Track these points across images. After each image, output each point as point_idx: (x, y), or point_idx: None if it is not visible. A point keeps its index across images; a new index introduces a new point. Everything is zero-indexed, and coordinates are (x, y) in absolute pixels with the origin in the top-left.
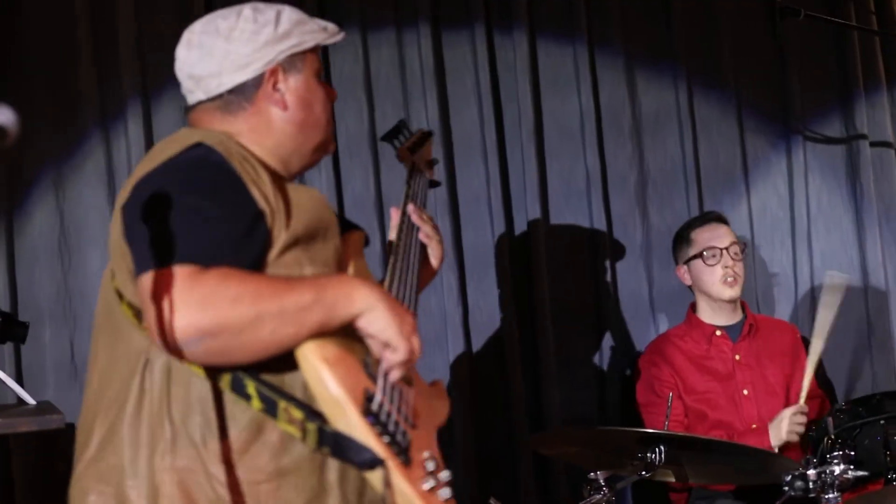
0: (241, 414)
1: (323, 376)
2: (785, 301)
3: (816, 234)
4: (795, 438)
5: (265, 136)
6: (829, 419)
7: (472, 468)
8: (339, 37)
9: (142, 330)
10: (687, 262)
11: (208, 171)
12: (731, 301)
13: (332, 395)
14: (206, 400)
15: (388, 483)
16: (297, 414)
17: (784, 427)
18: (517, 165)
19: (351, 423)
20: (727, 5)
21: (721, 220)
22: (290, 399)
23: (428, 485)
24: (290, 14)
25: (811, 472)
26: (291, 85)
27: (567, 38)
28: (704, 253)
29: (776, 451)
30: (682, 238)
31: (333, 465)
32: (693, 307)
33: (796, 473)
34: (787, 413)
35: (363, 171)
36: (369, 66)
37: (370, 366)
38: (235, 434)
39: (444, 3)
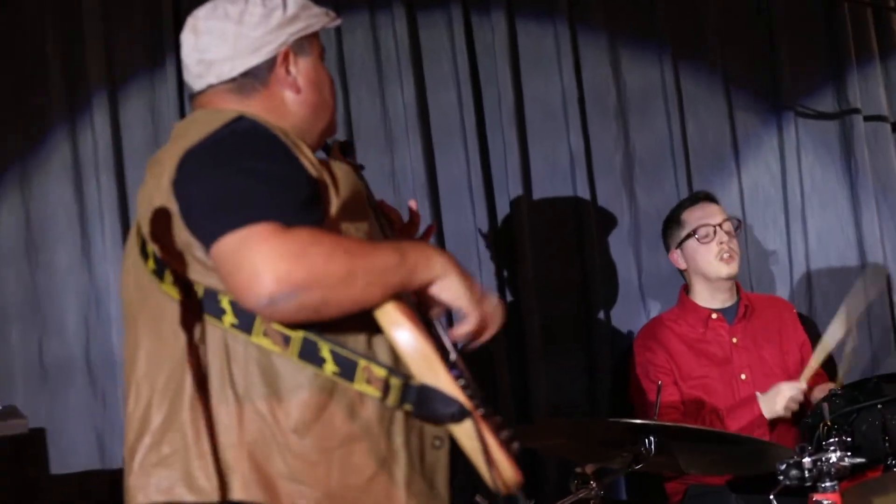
0: (310, 381)
1: (411, 332)
2: (780, 282)
3: (811, 212)
4: (787, 414)
5: (280, 117)
6: (825, 404)
7: (455, 462)
8: (338, 21)
9: (188, 309)
10: (680, 244)
11: (262, 140)
12: (729, 278)
13: (421, 350)
14: (270, 370)
15: (479, 434)
16: (380, 372)
17: (779, 402)
18: (498, 149)
19: (439, 376)
20: None
21: (710, 198)
22: (370, 358)
23: (503, 435)
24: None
25: (806, 460)
26: (302, 68)
27: (547, 17)
28: (697, 231)
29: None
30: (672, 221)
31: (399, 429)
32: (686, 290)
33: (791, 462)
34: (785, 388)
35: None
36: (343, 50)
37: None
38: (304, 401)
39: None
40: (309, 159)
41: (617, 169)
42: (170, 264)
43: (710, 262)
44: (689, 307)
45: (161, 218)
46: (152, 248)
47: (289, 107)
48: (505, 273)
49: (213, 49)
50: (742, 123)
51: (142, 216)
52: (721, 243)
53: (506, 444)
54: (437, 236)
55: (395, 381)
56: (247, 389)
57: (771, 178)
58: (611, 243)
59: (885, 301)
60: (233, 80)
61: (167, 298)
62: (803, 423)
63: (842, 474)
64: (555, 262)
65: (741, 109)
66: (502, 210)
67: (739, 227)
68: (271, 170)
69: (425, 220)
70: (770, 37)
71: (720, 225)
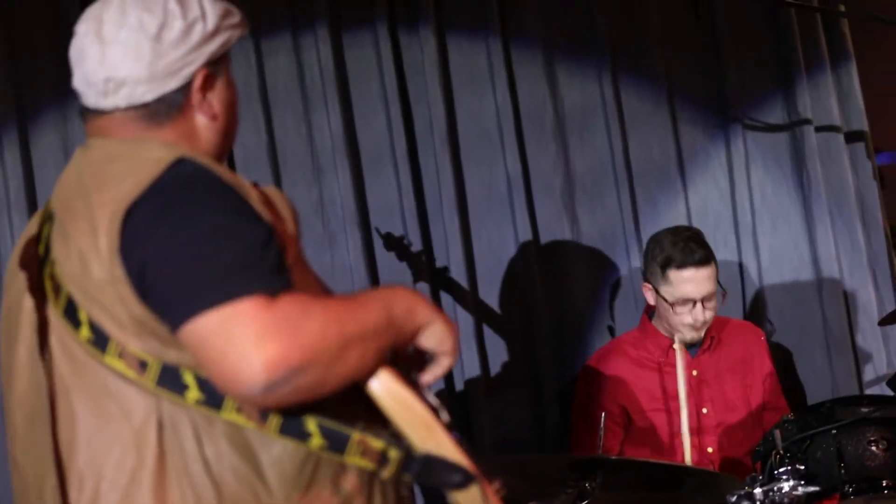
0: (291, 456)
1: (407, 398)
2: (733, 302)
3: (762, 229)
4: None
5: (190, 146)
6: (777, 431)
7: None
8: (246, 29)
9: (143, 385)
10: (656, 291)
11: (215, 189)
12: (689, 342)
13: (421, 417)
14: (246, 448)
15: (485, 499)
16: (377, 444)
17: None
18: (431, 173)
19: (442, 443)
20: None
21: (704, 261)
22: (364, 430)
23: (494, 486)
24: (212, 6)
25: (758, 491)
26: (217, 90)
27: (479, 32)
28: (675, 306)
29: None
30: (656, 262)
31: (378, 495)
32: (649, 313)
33: (742, 493)
34: None
35: None
36: (265, 74)
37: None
38: (288, 478)
39: (342, 2)
40: (256, 200)
41: (557, 191)
42: (112, 335)
43: (677, 325)
44: (651, 332)
45: (101, 285)
46: (86, 314)
47: (201, 134)
48: (443, 307)
49: (124, 67)
50: (688, 138)
51: (65, 274)
52: (696, 319)
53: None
54: (369, 269)
55: (394, 454)
56: (222, 471)
57: (720, 195)
58: (553, 270)
59: (844, 323)
60: (145, 105)
61: (111, 373)
62: (755, 451)
63: None
64: (495, 291)
65: (686, 123)
66: (438, 238)
67: (724, 299)
68: (237, 227)
69: (356, 252)
70: (715, 46)
71: (702, 301)
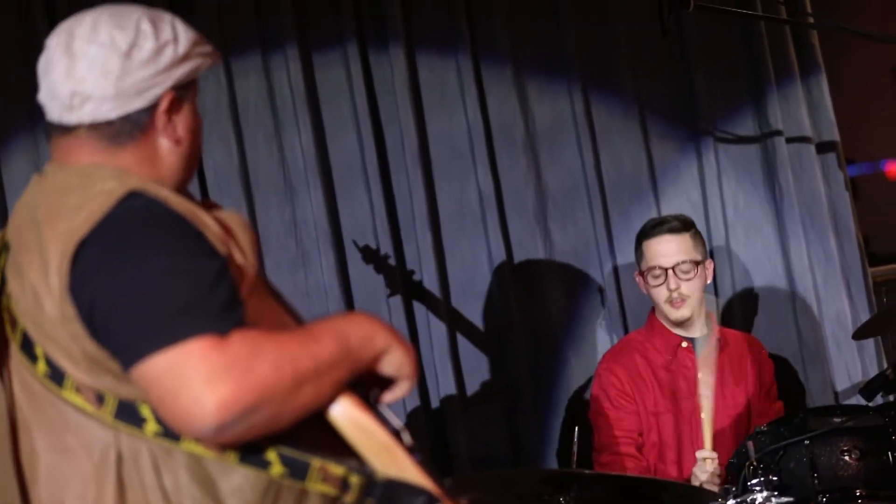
0: (252, 484)
1: (367, 424)
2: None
3: (736, 242)
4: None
5: (151, 170)
6: (750, 443)
7: None
8: (220, 59)
9: (101, 418)
10: (640, 273)
11: (168, 224)
12: (680, 322)
13: (382, 442)
14: (206, 478)
15: None
16: (337, 470)
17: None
18: (403, 192)
19: (403, 466)
20: (620, 4)
21: (675, 230)
22: (324, 456)
23: None
24: (185, 32)
25: (731, 503)
26: (183, 115)
27: (449, 50)
28: (648, 274)
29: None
30: (637, 243)
31: None
32: (655, 311)
33: None
34: (698, 472)
35: (235, 209)
36: (235, 94)
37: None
38: None
39: (311, 22)
40: (213, 231)
41: (529, 207)
42: (67, 370)
43: (659, 304)
44: (658, 330)
45: (53, 322)
46: (41, 350)
47: (163, 158)
48: (417, 325)
49: (91, 82)
50: (659, 152)
51: (20, 309)
52: (671, 289)
53: None
54: (343, 288)
55: (355, 479)
56: (180, 502)
57: (692, 208)
58: (527, 285)
59: (818, 333)
60: (109, 123)
61: (70, 407)
62: (728, 463)
63: None
64: (470, 308)
65: (657, 137)
66: (411, 256)
67: (698, 266)
68: (187, 265)
69: (330, 271)
70: (684, 60)
71: (673, 268)
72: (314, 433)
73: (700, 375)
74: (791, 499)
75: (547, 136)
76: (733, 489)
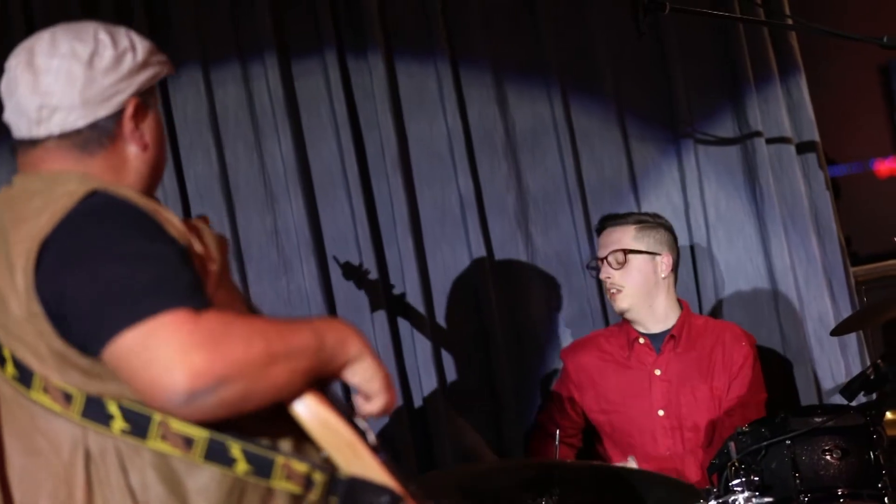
0: (218, 483)
1: (333, 421)
2: None
3: (717, 243)
4: None
5: (120, 177)
6: (731, 443)
7: None
8: (174, 70)
9: (69, 417)
10: None
11: (127, 217)
12: (622, 313)
13: (346, 439)
14: (171, 476)
15: None
16: (301, 467)
17: None
18: (384, 198)
19: (367, 465)
20: (598, 7)
21: (617, 221)
22: (288, 453)
23: None
24: (141, 41)
25: None
26: (148, 121)
27: (427, 56)
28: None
29: None
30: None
31: None
32: None
33: None
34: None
35: (216, 218)
36: (215, 104)
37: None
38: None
39: (289, 29)
40: (175, 226)
41: (510, 210)
42: (35, 370)
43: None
44: (623, 325)
45: (20, 322)
46: (9, 351)
47: (131, 165)
48: (400, 328)
49: (57, 93)
50: (639, 154)
51: None
52: (606, 278)
53: None
54: (325, 294)
55: (319, 477)
56: (148, 501)
57: (673, 210)
58: (509, 288)
59: (801, 333)
60: (78, 132)
61: (39, 408)
62: (710, 464)
63: None
64: (452, 312)
65: (637, 140)
66: (393, 261)
67: (636, 257)
68: (150, 250)
69: (312, 279)
70: (663, 61)
71: (605, 258)
72: (279, 430)
73: (657, 372)
74: (773, 499)
75: (527, 140)
76: (715, 490)
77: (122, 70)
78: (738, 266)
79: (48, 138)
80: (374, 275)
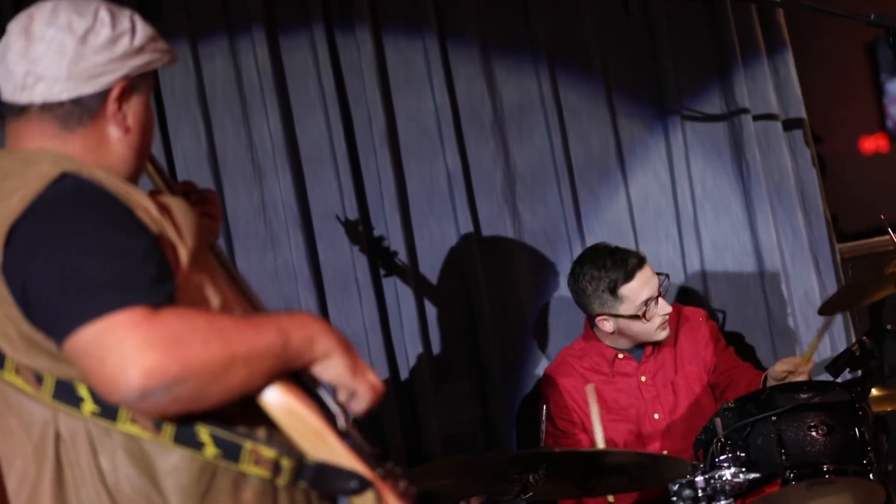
0: (188, 465)
1: (298, 409)
2: (675, 294)
3: (704, 220)
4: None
5: (99, 157)
6: (717, 420)
7: None
8: (175, 61)
9: (40, 398)
10: (616, 316)
11: (96, 202)
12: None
13: (312, 427)
14: (142, 458)
15: (383, 502)
16: (269, 453)
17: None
18: (372, 173)
19: (334, 450)
20: None
21: (641, 262)
22: (259, 439)
23: (401, 487)
24: (143, 26)
25: (699, 479)
26: (133, 105)
27: (415, 31)
28: (645, 313)
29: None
30: (602, 291)
31: (284, 499)
32: (591, 324)
33: (683, 482)
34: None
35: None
36: (202, 78)
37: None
38: (185, 487)
39: (277, 4)
40: (146, 211)
41: (497, 187)
42: (5, 352)
43: (649, 333)
44: (594, 344)
45: None
46: None
47: (111, 146)
48: (387, 305)
49: (45, 62)
50: (626, 131)
51: None
52: (664, 313)
53: (404, 496)
54: (312, 269)
55: (286, 463)
56: (118, 482)
57: (660, 187)
58: (496, 265)
59: (787, 311)
60: (60, 104)
61: (11, 389)
62: (696, 440)
63: (737, 491)
64: (438, 290)
65: (625, 116)
66: (380, 237)
67: (667, 281)
68: (116, 241)
69: (300, 253)
70: (651, 38)
71: (660, 294)
72: (255, 417)
73: (643, 378)
74: (759, 474)
75: (515, 117)
76: (701, 465)
77: (115, 51)
78: (724, 242)
79: (30, 107)
80: (362, 251)
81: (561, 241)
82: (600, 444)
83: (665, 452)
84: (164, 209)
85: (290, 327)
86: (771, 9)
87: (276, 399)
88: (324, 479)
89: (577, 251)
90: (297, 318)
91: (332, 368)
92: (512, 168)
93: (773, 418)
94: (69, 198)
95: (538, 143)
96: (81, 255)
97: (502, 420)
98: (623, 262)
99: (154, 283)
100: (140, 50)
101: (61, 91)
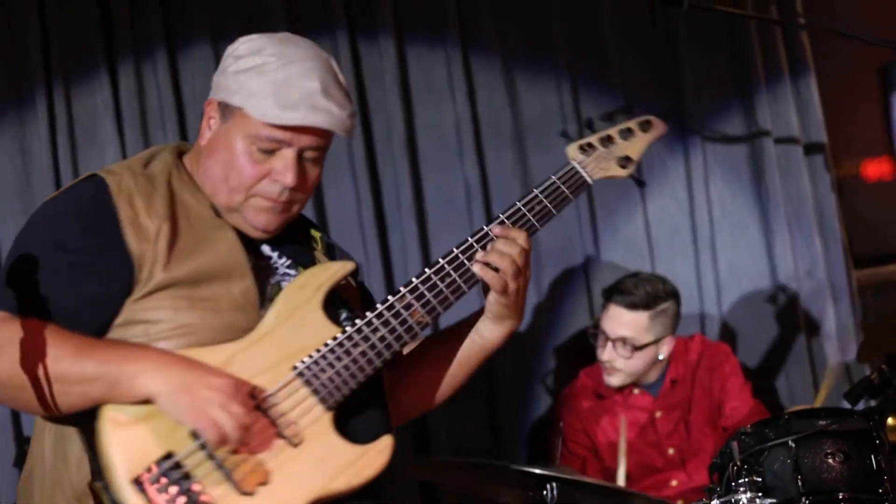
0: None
1: (102, 438)
2: (690, 314)
3: (721, 241)
4: None
5: (202, 159)
6: (734, 443)
7: None
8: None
9: None
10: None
11: (71, 209)
12: (616, 387)
13: (106, 459)
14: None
15: None
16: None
17: None
18: (390, 181)
19: (121, 489)
20: None
21: (634, 305)
22: (92, 457)
23: None
24: (273, 74)
25: (715, 503)
26: (214, 126)
27: (438, 41)
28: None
29: None
30: (605, 294)
31: None
32: None
33: None
34: None
35: None
36: None
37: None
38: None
39: (301, 9)
40: (140, 230)
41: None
42: None
43: (601, 364)
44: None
45: None
46: None
47: (202, 153)
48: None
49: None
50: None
51: None
52: (606, 360)
53: None
54: None
55: (98, 486)
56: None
57: (678, 206)
58: None
59: (802, 335)
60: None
61: None
62: (712, 463)
63: None
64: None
65: None
66: (396, 246)
67: (643, 349)
68: (45, 249)
69: None
70: (673, 57)
71: (614, 342)
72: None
73: (658, 415)
74: (775, 500)
75: (534, 130)
76: (718, 489)
77: (223, 69)
78: (740, 265)
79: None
80: (375, 260)
81: (576, 257)
82: (621, 479)
83: (674, 483)
84: (175, 234)
85: (118, 361)
86: (795, 31)
87: (98, 420)
88: None
89: (592, 267)
90: (135, 355)
91: (168, 406)
92: (530, 180)
93: (791, 444)
94: (63, 197)
95: (557, 157)
96: (17, 249)
97: (512, 432)
98: (628, 291)
99: (28, 298)
100: (233, 84)
101: (211, 91)
